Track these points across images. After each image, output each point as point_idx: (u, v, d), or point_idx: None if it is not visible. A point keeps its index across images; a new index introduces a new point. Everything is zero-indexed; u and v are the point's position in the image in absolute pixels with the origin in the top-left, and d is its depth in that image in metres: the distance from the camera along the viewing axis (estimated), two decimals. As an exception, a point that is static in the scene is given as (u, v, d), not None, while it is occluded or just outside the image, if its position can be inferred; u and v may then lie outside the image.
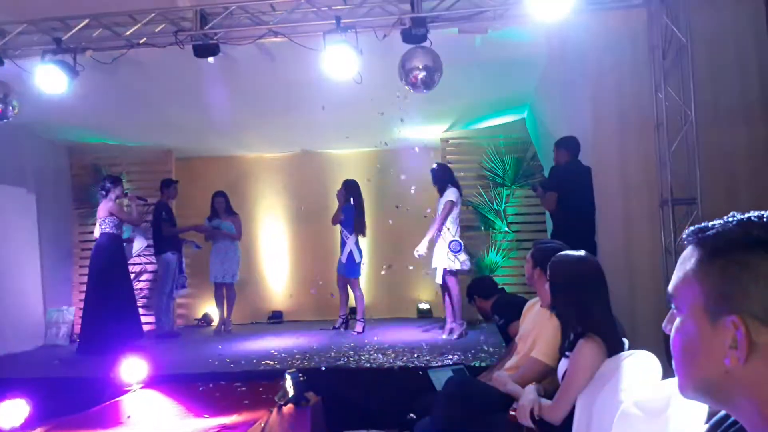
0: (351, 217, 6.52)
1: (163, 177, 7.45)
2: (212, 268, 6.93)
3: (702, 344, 0.81)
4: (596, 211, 4.81)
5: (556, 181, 5.01)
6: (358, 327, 6.47)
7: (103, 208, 6.13)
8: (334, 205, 6.81)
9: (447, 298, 5.93)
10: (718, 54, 4.35)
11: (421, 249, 5.84)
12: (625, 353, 2.26)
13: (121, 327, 5.91)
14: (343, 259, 6.53)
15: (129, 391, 4.34)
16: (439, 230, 5.80)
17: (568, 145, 5.03)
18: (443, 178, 6.02)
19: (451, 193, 5.89)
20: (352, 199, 6.60)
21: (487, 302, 4.87)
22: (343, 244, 6.56)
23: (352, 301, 6.75)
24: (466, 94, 6.17)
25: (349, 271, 6.52)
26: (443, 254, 5.76)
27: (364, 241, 6.89)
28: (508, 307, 4.27)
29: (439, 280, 5.90)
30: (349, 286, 6.62)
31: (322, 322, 7.14)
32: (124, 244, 6.57)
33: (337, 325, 6.72)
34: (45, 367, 5.45)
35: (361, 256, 6.55)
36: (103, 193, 6.21)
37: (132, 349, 5.24)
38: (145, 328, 6.95)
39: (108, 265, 6.03)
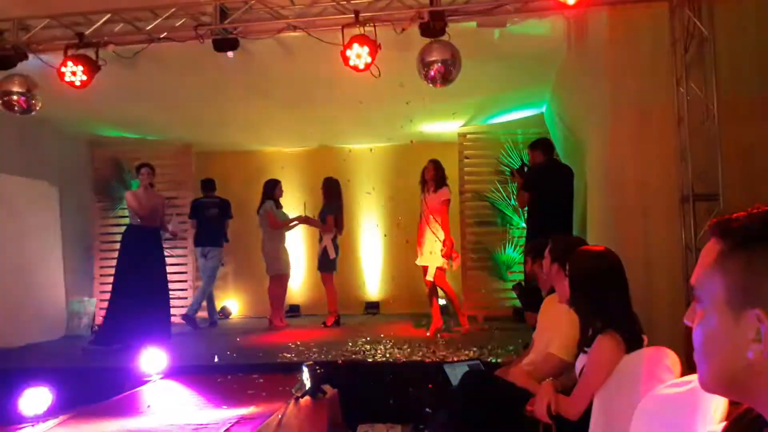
0: (329, 214, 6.70)
1: (183, 171, 7.55)
2: (276, 261, 6.87)
3: (725, 337, 0.80)
4: (588, 207, 5.00)
5: (531, 183, 5.16)
6: (330, 320, 6.68)
7: (125, 196, 6.01)
8: (352, 199, 6.89)
9: (434, 297, 5.92)
10: (741, 47, 4.27)
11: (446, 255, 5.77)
12: (644, 349, 2.24)
13: (144, 325, 5.56)
14: (319, 255, 6.73)
15: (149, 381, 4.40)
16: (445, 229, 5.77)
17: (542, 146, 5.21)
18: (442, 175, 5.98)
19: (448, 191, 5.89)
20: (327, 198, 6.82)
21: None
22: (320, 241, 6.75)
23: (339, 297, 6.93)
24: (485, 89, 6.14)
25: (323, 266, 6.72)
26: (436, 252, 5.72)
27: (381, 237, 6.91)
28: (532, 296, 4.14)
29: (431, 277, 5.82)
30: (323, 282, 6.78)
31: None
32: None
33: (329, 323, 6.76)
34: (67, 356, 5.55)
35: (336, 253, 6.72)
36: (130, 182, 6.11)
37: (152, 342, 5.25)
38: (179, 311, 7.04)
39: (131, 258, 5.85)
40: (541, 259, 3.93)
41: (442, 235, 5.72)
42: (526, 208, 5.55)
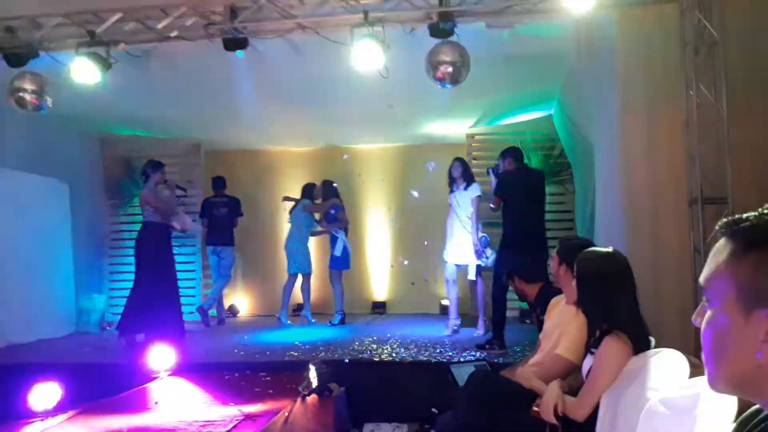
0: (336, 214, 6.87)
1: (193, 169, 7.59)
2: (300, 258, 6.96)
3: (734, 338, 0.80)
4: (597, 209, 5.14)
5: (501, 189, 5.36)
6: (336, 319, 6.73)
7: (142, 195, 5.95)
8: (358, 198, 6.94)
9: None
10: (750, 51, 4.25)
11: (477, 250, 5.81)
12: (652, 351, 2.24)
13: (163, 320, 5.61)
14: (337, 253, 6.79)
15: (157, 377, 4.43)
16: (477, 227, 5.81)
17: (512, 154, 5.40)
18: (470, 173, 6.04)
19: (477, 188, 5.90)
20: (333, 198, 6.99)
21: (529, 286, 4.44)
22: (334, 239, 6.83)
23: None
24: (493, 90, 6.14)
25: (342, 264, 6.85)
26: (472, 250, 5.76)
27: (387, 239, 6.93)
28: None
29: (472, 276, 5.90)
30: (332, 278, 6.87)
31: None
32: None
33: (335, 322, 6.78)
34: (76, 352, 5.59)
35: (350, 250, 6.92)
36: (144, 178, 6.04)
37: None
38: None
39: (147, 257, 5.79)
40: (523, 279, 4.03)
41: (474, 232, 5.76)
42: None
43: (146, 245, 5.82)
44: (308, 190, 7.18)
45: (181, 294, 6.17)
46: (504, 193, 5.34)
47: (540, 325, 3.76)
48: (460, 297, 6.15)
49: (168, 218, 6.00)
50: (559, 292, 3.15)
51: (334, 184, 7.16)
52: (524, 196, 5.21)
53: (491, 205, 5.51)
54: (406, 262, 7.98)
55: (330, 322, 6.75)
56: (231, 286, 8.18)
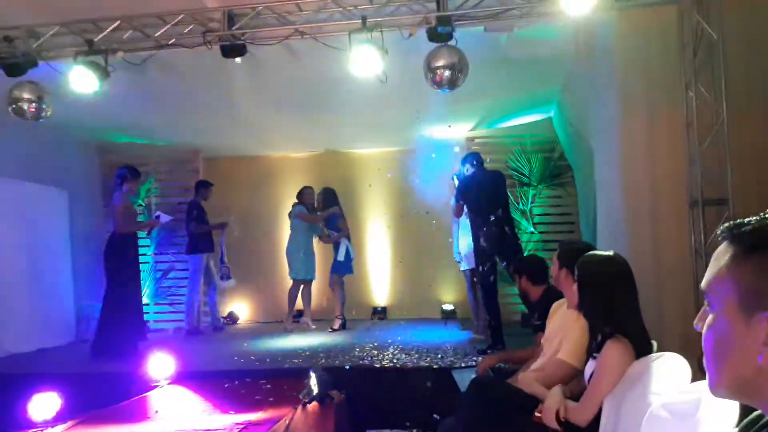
0: (336, 221, 6.91)
1: (191, 176, 7.56)
2: (297, 264, 6.95)
3: (735, 341, 0.80)
4: (598, 212, 5.23)
5: (459, 193, 5.61)
6: (337, 324, 6.74)
7: (113, 201, 5.82)
8: (360, 204, 6.94)
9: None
10: (749, 51, 4.24)
11: None
12: (654, 355, 2.22)
13: (126, 329, 5.60)
14: (341, 258, 6.81)
15: (157, 386, 4.41)
16: None
17: (468, 159, 5.61)
18: None
19: None
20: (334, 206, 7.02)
21: (534, 288, 4.02)
22: (337, 245, 6.86)
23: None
24: (492, 93, 6.13)
25: (345, 269, 6.87)
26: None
27: (389, 242, 6.90)
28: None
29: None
30: (335, 283, 6.89)
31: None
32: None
33: (336, 327, 6.78)
34: (76, 362, 5.56)
35: (353, 256, 6.95)
36: (118, 181, 5.82)
37: (139, 350, 5.40)
38: (175, 324, 7.09)
39: (116, 265, 5.70)
40: (527, 277, 3.97)
41: None
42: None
43: (115, 256, 5.72)
44: (305, 195, 7.12)
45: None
46: (461, 197, 5.54)
47: (534, 328, 3.73)
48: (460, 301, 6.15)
49: (125, 229, 5.80)
50: (562, 296, 3.12)
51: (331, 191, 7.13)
52: (481, 199, 5.31)
53: (454, 212, 5.74)
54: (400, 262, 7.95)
55: (330, 328, 6.72)
56: (230, 294, 8.14)
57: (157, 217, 6.56)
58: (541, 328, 3.51)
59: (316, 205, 7.16)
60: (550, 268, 3.33)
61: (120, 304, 5.62)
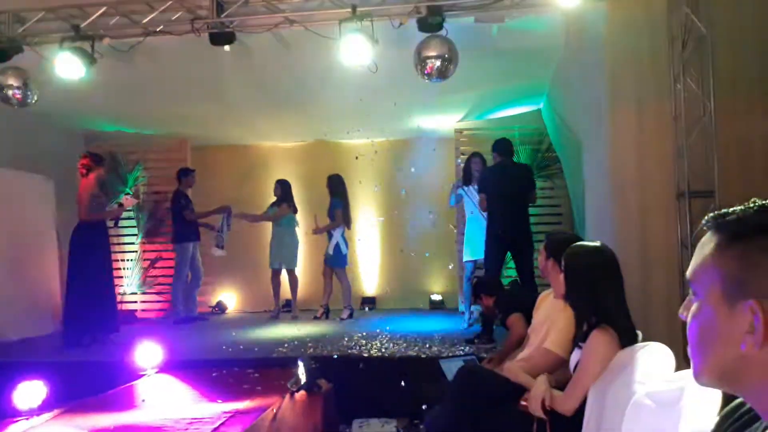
0: (334, 210, 6.85)
1: (179, 165, 7.49)
2: (272, 253, 7.02)
3: (719, 329, 0.80)
4: (586, 203, 5.27)
5: (481, 184, 5.55)
6: (345, 314, 6.74)
7: (83, 187, 5.70)
8: (349, 194, 6.97)
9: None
10: (738, 45, 4.27)
11: None
12: (639, 345, 2.24)
13: (96, 319, 5.56)
14: (330, 251, 6.80)
15: (144, 375, 4.40)
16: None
17: (497, 148, 5.50)
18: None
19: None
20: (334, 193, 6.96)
21: (488, 299, 4.57)
22: (330, 236, 6.83)
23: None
24: (482, 84, 6.13)
25: (336, 261, 6.83)
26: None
27: (378, 233, 6.90)
28: (508, 300, 4.21)
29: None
30: (335, 276, 6.90)
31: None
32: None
33: (318, 315, 6.85)
34: (61, 351, 5.52)
35: (346, 248, 6.87)
36: (84, 171, 5.74)
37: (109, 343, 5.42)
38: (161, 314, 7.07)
39: (83, 255, 5.59)
40: (487, 295, 4.24)
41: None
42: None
43: (81, 245, 5.62)
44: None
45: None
46: (484, 188, 5.48)
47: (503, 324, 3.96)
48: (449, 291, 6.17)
49: (90, 217, 5.69)
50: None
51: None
52: (505, 192, 5.28)
53: (477, 205, 5.66)
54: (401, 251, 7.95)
55: (340, 318, 6.74)
56: (219, 283, 8.14)
57: (121, 205, 6.45)
58: (504, 317, 3.93)
59: (275, 197, 7.15)
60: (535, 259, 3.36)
61: (86, 296, 5.50)
